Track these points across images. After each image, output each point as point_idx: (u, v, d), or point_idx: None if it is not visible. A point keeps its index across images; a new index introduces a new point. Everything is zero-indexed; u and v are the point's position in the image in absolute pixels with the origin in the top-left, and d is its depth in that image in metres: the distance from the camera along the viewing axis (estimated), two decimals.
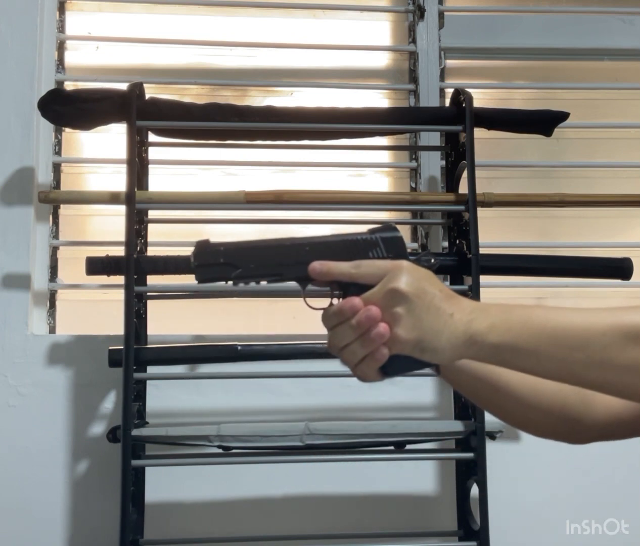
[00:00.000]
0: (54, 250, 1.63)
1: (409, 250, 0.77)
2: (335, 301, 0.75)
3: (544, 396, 0.83)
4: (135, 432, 1.35)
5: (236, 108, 1.50)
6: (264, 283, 0.77)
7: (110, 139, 1.67)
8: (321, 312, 0.75)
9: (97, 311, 1.65)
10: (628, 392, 0.71)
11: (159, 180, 1.63)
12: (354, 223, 1.68)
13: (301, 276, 0.76)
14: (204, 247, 0.77)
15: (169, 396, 1.53)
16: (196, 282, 0.77)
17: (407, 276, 0.71)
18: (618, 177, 1.79)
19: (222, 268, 0.76)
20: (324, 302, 0.76)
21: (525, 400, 0.84)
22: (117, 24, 1.73)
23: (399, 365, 0.73)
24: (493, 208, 1.57)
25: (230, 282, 0.77)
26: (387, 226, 0.78)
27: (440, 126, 1.59)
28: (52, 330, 1.61)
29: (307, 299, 0.78)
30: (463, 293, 1.47)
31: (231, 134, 1.53)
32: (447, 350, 0.71)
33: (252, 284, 0.77)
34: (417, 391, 1.57)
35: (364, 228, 0.78)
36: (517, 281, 1.67)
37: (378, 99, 1.79)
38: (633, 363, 0.68)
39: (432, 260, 0.78)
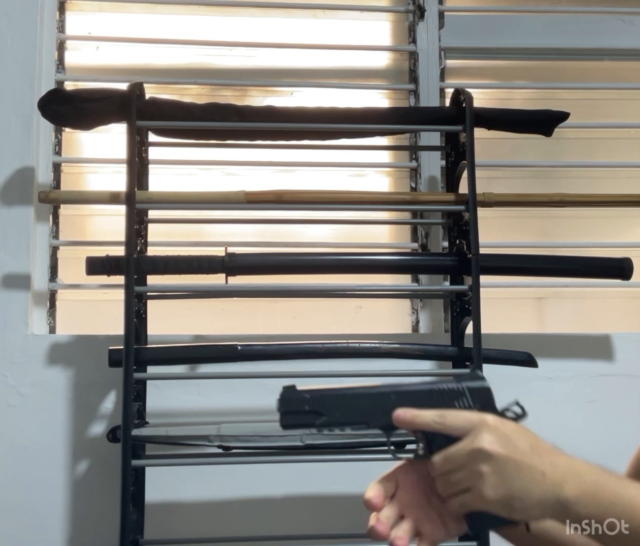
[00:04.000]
0: (54, 250, 1.63)
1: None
2: (420, 450, 0.75)
3: None
4: (135, 432, 1.35)
5: (236, 108, 1.49)
6: (348, 430, 0.78)
7: (110, 139, 1.67)
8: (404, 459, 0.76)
9: (97, 311, 1.65)
10: None
11: (159, 180, 1.63)
12: (354, 223, 1.69)
13: (386, 425, 0.76)
14: (289, 394, 0.77)
15: (169, 396, 1.53)
16: (280, 427, 0.78)
17: (492, 434, 0.70)
18: (618, 177, 1.79)
19: (307, 415, 0.77)
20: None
21: None
22: (117, 24, 1.73)
23: (485, 521, 0.72)
24: (493, 208, 1.57)
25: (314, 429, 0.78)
26: (474, 375, 0.77)
27: (440, 126, 1.59)
28: (52, 330, 1.61)
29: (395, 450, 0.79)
30: (463, 294, 1.48)
31: (231, 134, 1.53)
32: (537, 511, 0.70)
33: (337, 431, 0.78)
34: None
35: (437, 376, 0.78)
36: (517, 281, 1.67)
37: (378, 99, 1.79)
38: None
39: (519, 411, 0.76)
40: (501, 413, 0.74)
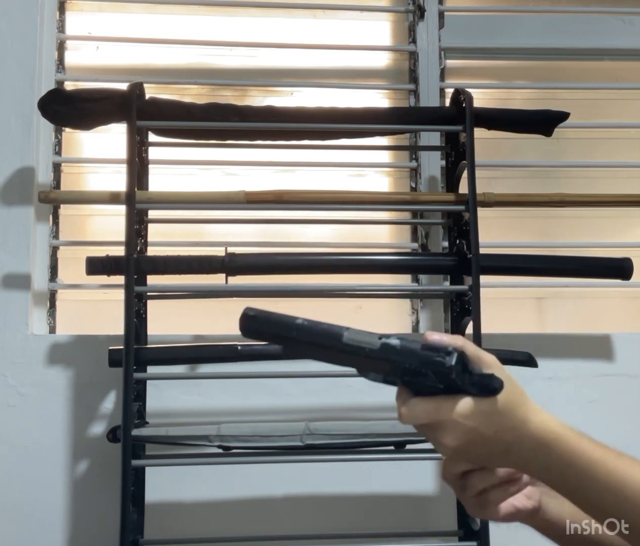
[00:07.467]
0: (54, 250, 1.63)
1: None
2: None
3: None
4: (135, 432, 1.35)
5: (236, 108, 1.49)
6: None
7: (110, 139, 1.67)
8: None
9: (97, 311, 1.65)
10: None
11: (159, 180, 1.63)
12: (354, 223, 1.69)
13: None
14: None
15: (169, 396, 1.53)
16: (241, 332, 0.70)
17: (453, 432, 0.67)
18: (618, 177, 1.79)
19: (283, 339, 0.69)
20: None
21: None
22: (117, 24, 1.73)
23: None
24: (493, 208, 1.57)
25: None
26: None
27: (440, 126, 1.59)
28: (52, 330, 1.61)
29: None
30: (463, 294, 1.48)
31: (231, 134, 1.53)
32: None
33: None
34: None
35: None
36: (517, 281, 1.67)
37: (378, 99, 1.79)
38: None
39: (494, 386, 0.67)
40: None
